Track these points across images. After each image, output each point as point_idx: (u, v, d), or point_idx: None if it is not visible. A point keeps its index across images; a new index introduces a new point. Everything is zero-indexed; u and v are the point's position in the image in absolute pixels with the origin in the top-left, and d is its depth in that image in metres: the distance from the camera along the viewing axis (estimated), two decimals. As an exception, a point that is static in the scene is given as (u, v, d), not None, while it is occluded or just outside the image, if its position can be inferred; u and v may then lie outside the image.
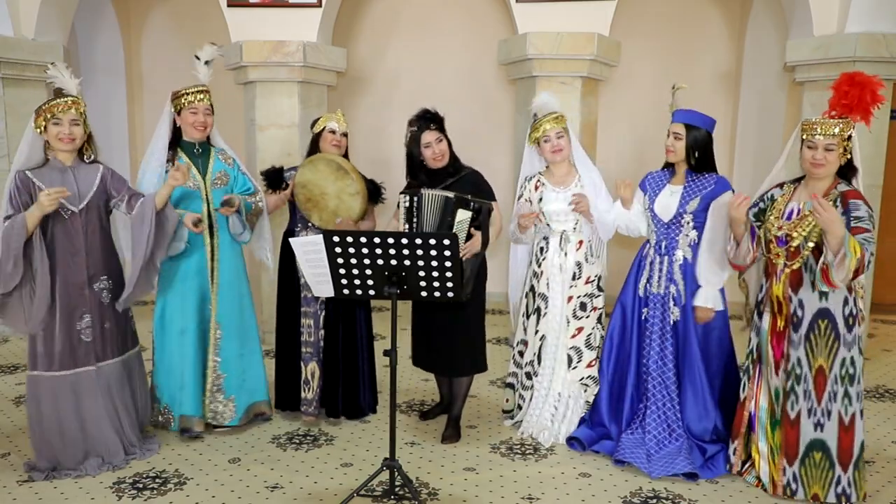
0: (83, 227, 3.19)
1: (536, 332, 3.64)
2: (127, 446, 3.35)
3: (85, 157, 3.27)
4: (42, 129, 3.13)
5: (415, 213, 3.47)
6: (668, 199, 3.37)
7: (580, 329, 3.58)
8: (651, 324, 3.41)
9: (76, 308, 3.19)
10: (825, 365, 2.93)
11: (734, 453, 3.22)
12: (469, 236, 3.39)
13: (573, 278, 3.56)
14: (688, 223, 3.33)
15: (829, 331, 2.92)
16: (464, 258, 3.33)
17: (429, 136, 3.54)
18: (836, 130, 2.88)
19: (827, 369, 2.93)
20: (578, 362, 3.58)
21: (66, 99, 3.15)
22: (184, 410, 3.57)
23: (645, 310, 3.43)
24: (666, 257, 3.38)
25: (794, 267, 2.94)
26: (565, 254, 3.58)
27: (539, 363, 3.64)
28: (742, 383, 3.21)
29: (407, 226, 3.49)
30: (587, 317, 3.59)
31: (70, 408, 3.19)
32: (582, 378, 3.59)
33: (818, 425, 2.95)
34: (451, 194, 3.39)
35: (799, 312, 2.95)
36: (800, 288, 2.94)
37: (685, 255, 3.36)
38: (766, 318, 3.07)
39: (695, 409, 3.35)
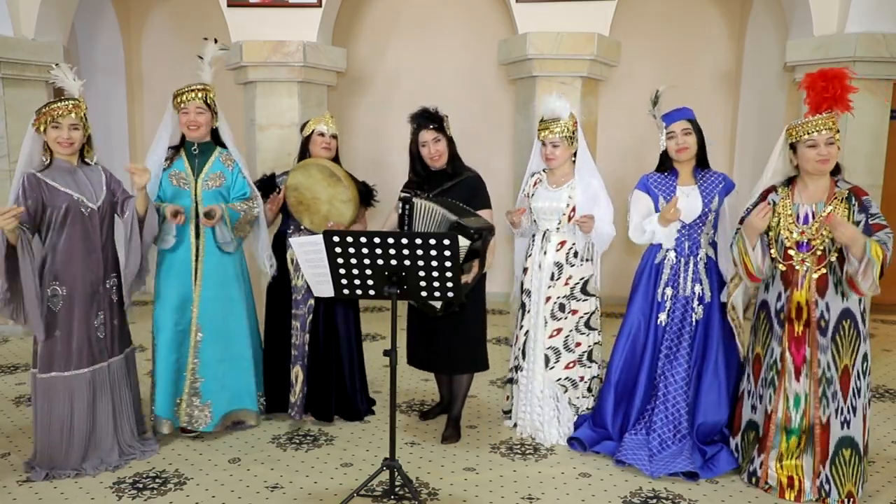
0: (100, 224, 3.21)
1: (521, 326, 3.65)
2: (124, 447, 3.35)
3: (87, 158, 3.28)
4: (42, 131, 3.13)
5: (406, 222, 3.45)
6: (687, 201, 3.33)
7: (558, 330, 3.54)
8: (670, 327, 3.39)
9: (92, 305, 3.20)
10: (849, 363, 2.95)
11: (760, 466, 3.13)
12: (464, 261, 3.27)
13: (552, 278, 3.53)
14: (709, 222, 3.35)
15: (852, 329, 2.94)
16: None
17: (426, 136, 3.53)
18: (832, 124, 2.92)
19: (850, 367, 2.95)
20: (556, 363, 3.54)
21: (66, 103, 3.14)
22: (158, 411, 3.54)
23: (662, 315, 3.40)
24: (691, 258, 3.37)
25: (822, 271, 2.95)
26: (544, 252, 3.55)
27: (524, 358, 3.64)
28: (767, 396, 3.11)
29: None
30: (565, 318, 3.54)
31: (83, 406, 3.19)
32: (559, 379, 3.55)
33: (845, 423, 2.96)
34: (452, 216, 3.26)
35: (826, 316, 2.95)
36: (826, 291, 2.95)
37: (708, 253, 3.37)
38: (786, 325, 3.04)
39: (711, 402, 3.33)
